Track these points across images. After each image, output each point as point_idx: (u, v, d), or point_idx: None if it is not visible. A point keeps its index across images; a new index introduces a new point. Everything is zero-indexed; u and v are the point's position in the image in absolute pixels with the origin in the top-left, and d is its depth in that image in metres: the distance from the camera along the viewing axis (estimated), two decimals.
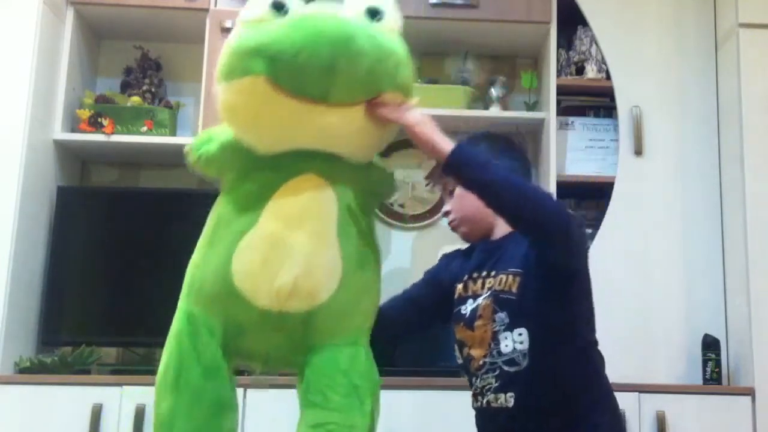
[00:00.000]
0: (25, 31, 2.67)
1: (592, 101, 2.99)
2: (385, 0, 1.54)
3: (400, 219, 3.08)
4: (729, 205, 2.75)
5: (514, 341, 1.70)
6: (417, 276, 3.00)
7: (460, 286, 1.86)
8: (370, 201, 1.63)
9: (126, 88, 2.97)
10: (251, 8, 1.45)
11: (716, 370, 2.60)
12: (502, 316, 1.73)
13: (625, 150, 2.82)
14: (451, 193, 1.88)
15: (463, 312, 1.82)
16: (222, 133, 1.55)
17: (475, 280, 1.84)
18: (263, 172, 1.50)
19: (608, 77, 2.87)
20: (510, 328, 1.71)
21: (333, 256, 1.48)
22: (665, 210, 2.78)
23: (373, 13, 1.50)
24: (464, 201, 1.84)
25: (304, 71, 1.39)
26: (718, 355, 2.61)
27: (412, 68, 1.56)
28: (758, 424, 2.49)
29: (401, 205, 3.09)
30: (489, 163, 1.62)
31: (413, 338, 1.95)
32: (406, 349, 2.54)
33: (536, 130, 3.03)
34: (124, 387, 2.44)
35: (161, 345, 2.79)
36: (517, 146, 1.98)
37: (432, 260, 3.07)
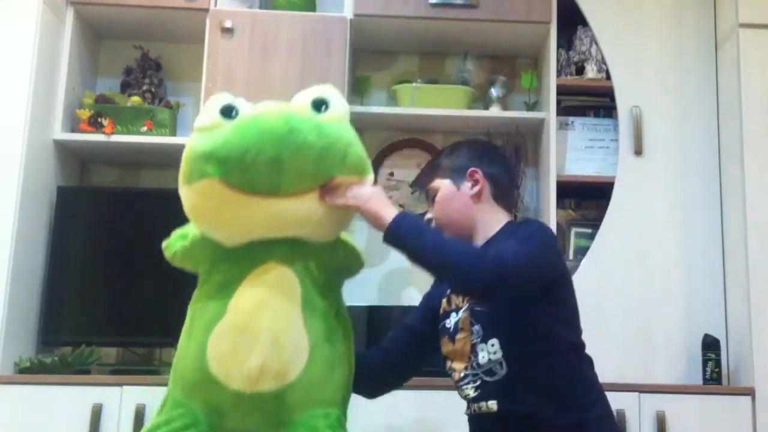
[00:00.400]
0: (25, 31, 2.67)
1: (592, 101, 2.99)
2: (330, 90, 1.64)
3: None
4: (729, 205, 2.75)
5: (489, 352, 1.72)
6: (417, 276, 3.02)
7: (444, 301, 1.88)
8: (336, 277, 1.71)
9: (126, 88, 2.97)
10: (203, 116, 1.57)
11: (716, 370, 2.60)
12: (477, 328, 1.75)
13: (625, 150, 2.82)
14: (433, 200, 1.90)
15: (447, 326, 1.83)
16: (195, 228, 1.67)
17: (457, 294, 1.85)
18: (230, 264, 1.61)
19: (608, 77, 2.87)
20: (484, 339, 1.73)
21: (299, 336, 1.56)
22: (665, 210, 2.78)
23: (319, 104, 1.60)
24: (443, 208, 1.87)
25: (252, 169, 1.50)
26: (718, 355, 2.61)
27: (361, 149, 1.64)
28: (758, 424, 2.49)
29: (401, 206, 3.09)
30: (420, 236, 1.64)
31: (419, 368, 1.97)
32: None
33: (536, 130, 3.03)
34: (124, 387, 2.45)
35: (161, 345, 2.82)
36: (499, 151, 2.01)
37: None
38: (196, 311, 1.62)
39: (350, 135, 1.61)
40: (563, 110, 2.95)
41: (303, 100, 1.62)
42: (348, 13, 2.89)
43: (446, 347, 1.83)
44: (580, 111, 2.98)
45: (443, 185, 1.87)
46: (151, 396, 2.31)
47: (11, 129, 2.61)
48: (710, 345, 2.62)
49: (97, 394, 2.43)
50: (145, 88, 2.95)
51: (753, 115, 2.69)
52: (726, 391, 2.58)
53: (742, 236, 2.63)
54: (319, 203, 1.57)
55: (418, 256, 1.65)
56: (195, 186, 1.55)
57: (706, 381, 2.61)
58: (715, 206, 2.78)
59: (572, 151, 2.91)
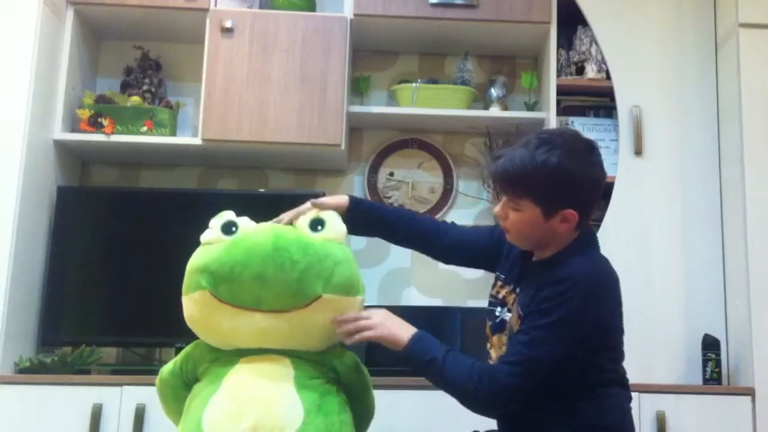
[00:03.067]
0: (25, 31, 2.67)
1: (592, 101, 2.99)
2: (329, 213, 1.79)
3: None
4: (729, 205, 2.75)
5: None
6: (417, 276, 3.03)
7: (498, 282, 1.88)
8: (331, 373, 1.76)
9: (126, 88, 2.97)
10: (208, 231, 1.73)
11: (716, 370, 2.60)
12: (505, 340, 1.79)
13: (625, 150, 2.82)
14: (513, 209, 1.73)
15: (496, 315, 1.85)
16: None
17: (511, 291, 1.83)
18: (226, 358, 1.72)
19: (608, 77, 2.88)
20: None
21: (292, 402, 1.63)
22: (665, 210, 2.78)
23: (315, 224, 1.75)
24: (522, 229, 1.74)
25: (237, 283, 1.65)
26: (718, 355, 2.61)
27: (352, 269, 1.74)
28: (758, 424, 2.50)
29: (401, 206, 3.09)
30: (430, 363, 1.69)
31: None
32: None
33: (536, 130, 3.02)
34: (124, 387, 2.45)
35: (161, 345, 2.81)
36: (598, 160, 1.76)
37: (432, 260, 3.08)
38: (194, 393, 1.71)
39: (341, 254, 1.72)
40: (563, 110, 2.95)
41: (305, 219, 1.77)
42: (348, 13, 2.89)
43: (488, 331, 1.86)
44: (580, 111, 2.98)
45: (530, 210, 1.70)
46: (151, 396, 2.30)
47: (11, 129, 2.61)
48: (710, 345, 2.62)
49: (97, 394, 2.43)
50: (145, 88, 2.95)
51: (753, 115, 2.69)
52: (726, 391, 2.57)
53: (742, 236, 2.63)
54: (302, 323, 1.68)
55: (428, 379, 1.73)
56: (191, 296, 1.69)
57: (706, 381, 2.61)
58: (715, 206, 2.78)
59: None
